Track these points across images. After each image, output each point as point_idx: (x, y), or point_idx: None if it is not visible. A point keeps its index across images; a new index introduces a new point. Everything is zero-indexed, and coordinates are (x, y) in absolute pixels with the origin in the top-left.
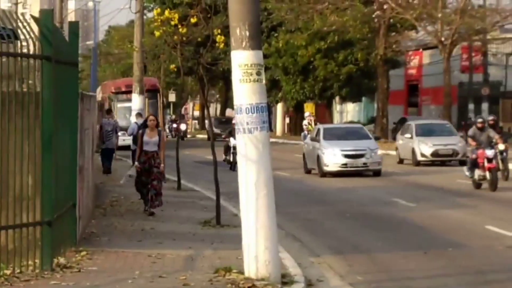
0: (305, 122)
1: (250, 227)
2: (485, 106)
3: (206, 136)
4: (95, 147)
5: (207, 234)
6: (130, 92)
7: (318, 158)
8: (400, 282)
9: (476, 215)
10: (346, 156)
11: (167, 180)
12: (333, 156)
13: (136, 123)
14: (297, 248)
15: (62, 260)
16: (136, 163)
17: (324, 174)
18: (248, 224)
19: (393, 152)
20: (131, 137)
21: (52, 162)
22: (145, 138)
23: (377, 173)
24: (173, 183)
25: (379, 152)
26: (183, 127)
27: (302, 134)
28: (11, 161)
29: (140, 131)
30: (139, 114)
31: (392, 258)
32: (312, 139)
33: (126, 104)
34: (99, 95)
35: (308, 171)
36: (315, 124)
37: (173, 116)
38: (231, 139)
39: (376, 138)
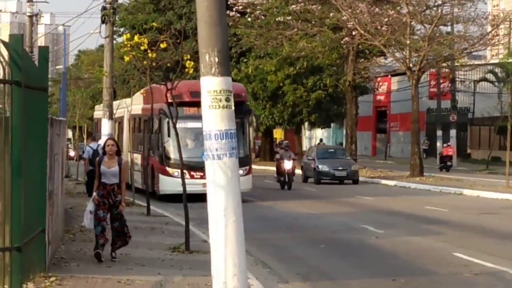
0: None
1: (219, 254)
2: (453, 132)
3: None
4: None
5: (176, 260)
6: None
7: None
8: None
9: (444, 242)
10: None
11: (134, 205)
12: None
13: (91, 146)
14: (266, 275)
15: (31, 285)
16: (94, 193)
17: None
18: (217, 251)
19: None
20: None
21: (21, 187)
22: (103, 168)
23: None
24: (142, 208)
25: None
26: None
27: None
28: None
29: (97, 159)
30: (92, 138)
31: (360, 285)
32: None
33: (190, 125)
34: (132, 107)
35: None
36: None
37: None
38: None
39: None
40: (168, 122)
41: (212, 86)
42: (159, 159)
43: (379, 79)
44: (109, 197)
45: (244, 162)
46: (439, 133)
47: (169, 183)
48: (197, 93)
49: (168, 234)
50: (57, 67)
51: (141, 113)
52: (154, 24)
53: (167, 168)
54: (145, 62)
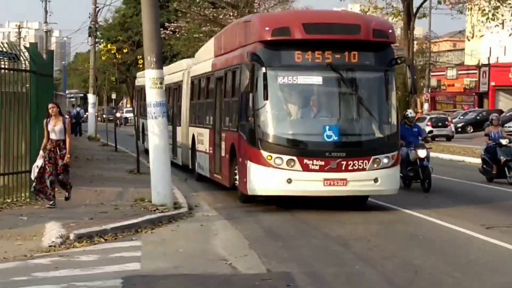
0: None
1: (155, 174)
2: None
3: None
4: None
5: (131, 178)
6: (319, 45)
7: None
8: (245, 208)
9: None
10: None
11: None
12: None
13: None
14: (185, 188)
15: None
16: (41, 151)
17: None
18: (154, 173)
19: None
20: None
21: (36, 135)
22: (50, 126)
23: None
24: (112, 147)
25: None
26: (118, 114)
27: None
28: (12, 135)
29: (45, 120)
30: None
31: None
32: None
33: (302, 80)
34: (195, 67)
35: None
36: None
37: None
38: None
39: None
40: (265, 75)
41: (151, 75)
42: (248, 137)
43: None
44: (55, 150)
45: (390, 145)
46: None
47: (264, 178)
48: (318, 27)
49: (128, 163)
50: (63, 62)
51: (211, 70)
52: (120, 37)
53: (262, 152)
54: (114, 60)
